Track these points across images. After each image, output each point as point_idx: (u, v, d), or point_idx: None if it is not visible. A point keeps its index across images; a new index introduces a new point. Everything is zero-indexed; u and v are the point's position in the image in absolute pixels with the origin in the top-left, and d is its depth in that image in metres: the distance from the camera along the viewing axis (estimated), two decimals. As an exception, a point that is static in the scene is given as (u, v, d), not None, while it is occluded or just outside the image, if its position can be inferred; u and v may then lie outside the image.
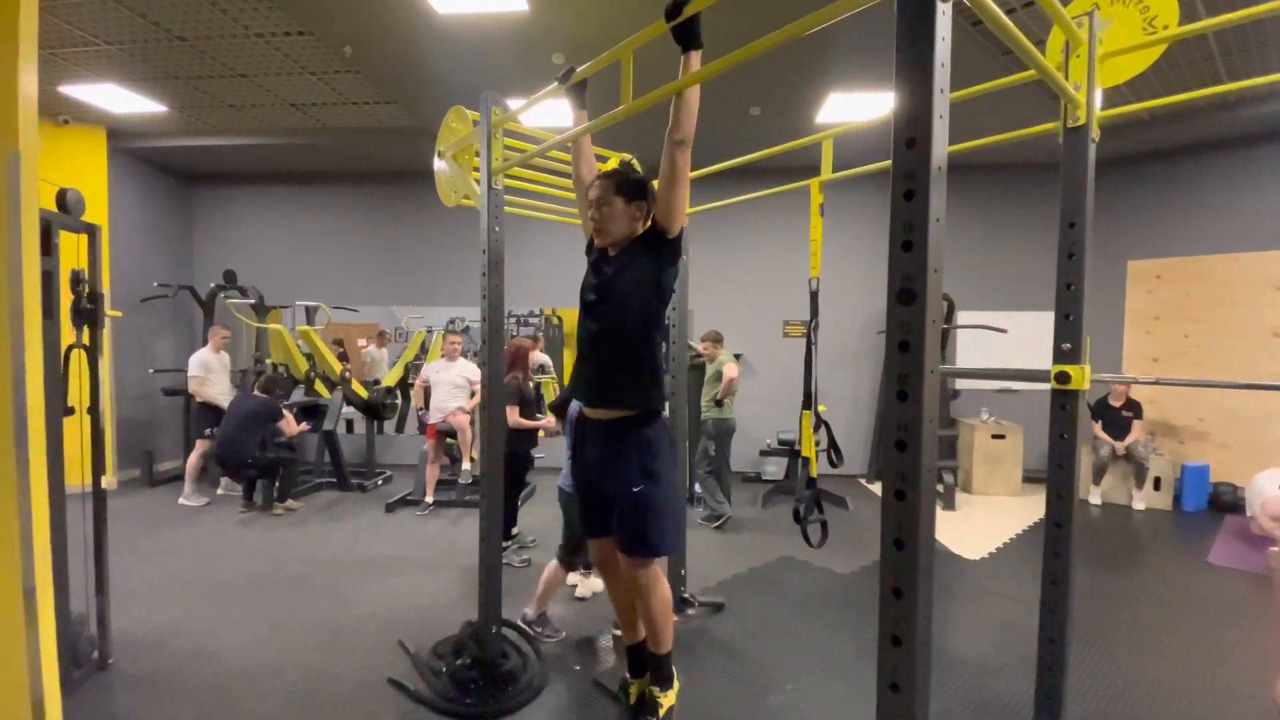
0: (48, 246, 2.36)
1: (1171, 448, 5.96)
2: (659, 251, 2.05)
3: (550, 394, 5.29)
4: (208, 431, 5.49)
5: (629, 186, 2.09)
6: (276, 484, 5.27)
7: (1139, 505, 5.61)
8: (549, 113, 4.94)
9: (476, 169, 2.60)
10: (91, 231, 2.63)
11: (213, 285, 6.74)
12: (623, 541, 2.12)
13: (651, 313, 2.08)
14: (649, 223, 2.11)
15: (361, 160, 6.91)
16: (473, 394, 5.35)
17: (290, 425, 5.42)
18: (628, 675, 2.43)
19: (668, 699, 2.24)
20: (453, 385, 5.33)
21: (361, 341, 7.00)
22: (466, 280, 7.12)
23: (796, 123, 5.30)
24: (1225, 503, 5.49)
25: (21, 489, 1.58)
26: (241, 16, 3.93)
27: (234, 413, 5.18)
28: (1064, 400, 1.81)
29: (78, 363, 2.67)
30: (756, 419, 6.49)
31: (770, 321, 6.99)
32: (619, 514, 2.10)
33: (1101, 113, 1.88)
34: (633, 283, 2.06)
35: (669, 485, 2.15)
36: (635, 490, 2.05)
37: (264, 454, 5.19)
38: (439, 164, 2.91)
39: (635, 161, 2.39)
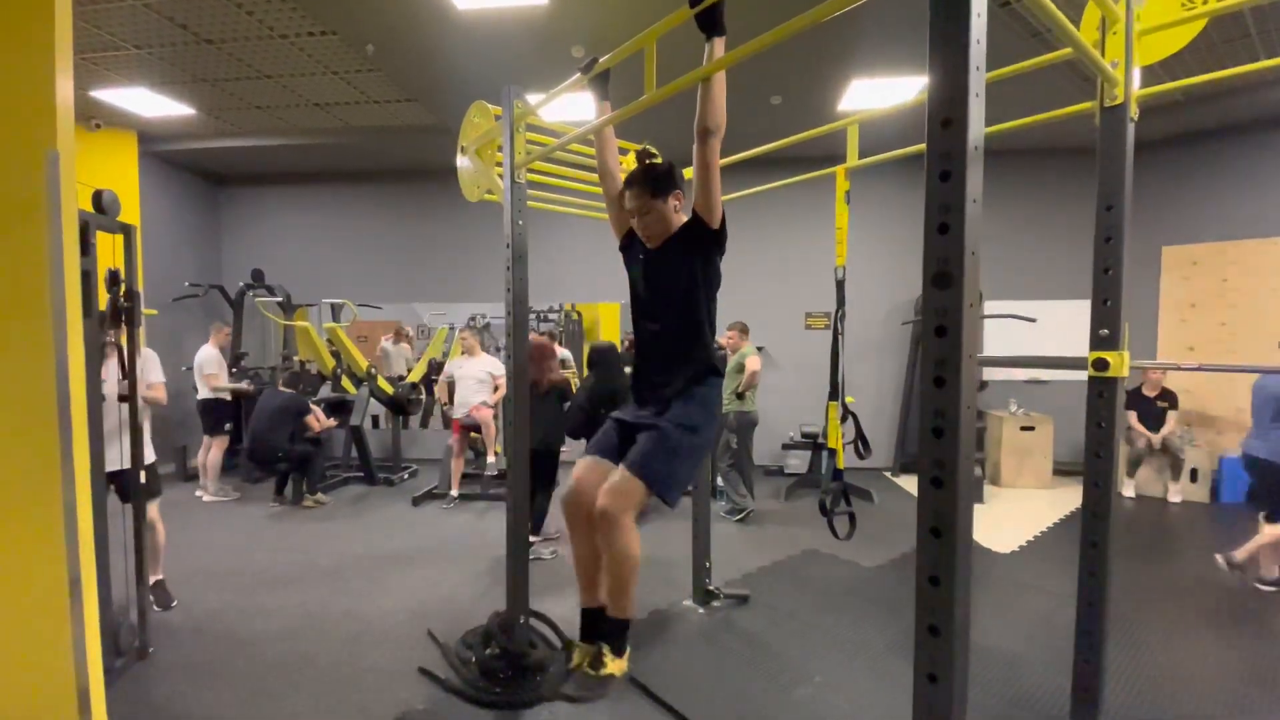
0: (85, 246, 2.41)
1: (1209, 439, 5.80)
2: (706, 245, 2.04)
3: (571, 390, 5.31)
4: (228, 427, 5.60)
5: (658, 183, 2.08)
6: (305, 477, 5.37)
7: (1175, 498, 5.47)
8: (569, 107, 4.94)
9: (499, 164, 2.61)
10: (127, 231, 2.69)
11: (241, 284, 6.88)
12: (631, 459, 1.97)
13: (705, 304, 2.08)
14: (686, 215, 2.09)
15: (384, 159, 6.98)
16: (496, 388, 5.39)
17: (318, 420, 5.51)
18: (577, 639, 2.20)
19: (615, 665, 2.02)
20: (475, 380, 5.38)
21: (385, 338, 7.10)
22: (487, 277, 7.17)
23: (818, 111, 5.24)
24: (1266, 494, 5.33)
25: (66, 483, 1.63)
26: (266, 18, 3.99)
27: (263, 408, 5.28)
28: (1102, 387, 1.77)
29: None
30: (778, 412, 6.45)
31: (792, 314, 6.94)
32: (643, 438, 2.01)
33: (1138, 92, 1.83)
34: (686, 281, 2.05)
35: (698, 447, 2.08)
36: (670, 425, 2.00)
37: (293, 447, 5.27)
38: (462, 160, 2.93)
39: (650, 146, 2.36)
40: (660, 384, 2.11)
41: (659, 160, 2.19)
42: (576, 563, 2.19)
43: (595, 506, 1.93)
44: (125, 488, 2.95)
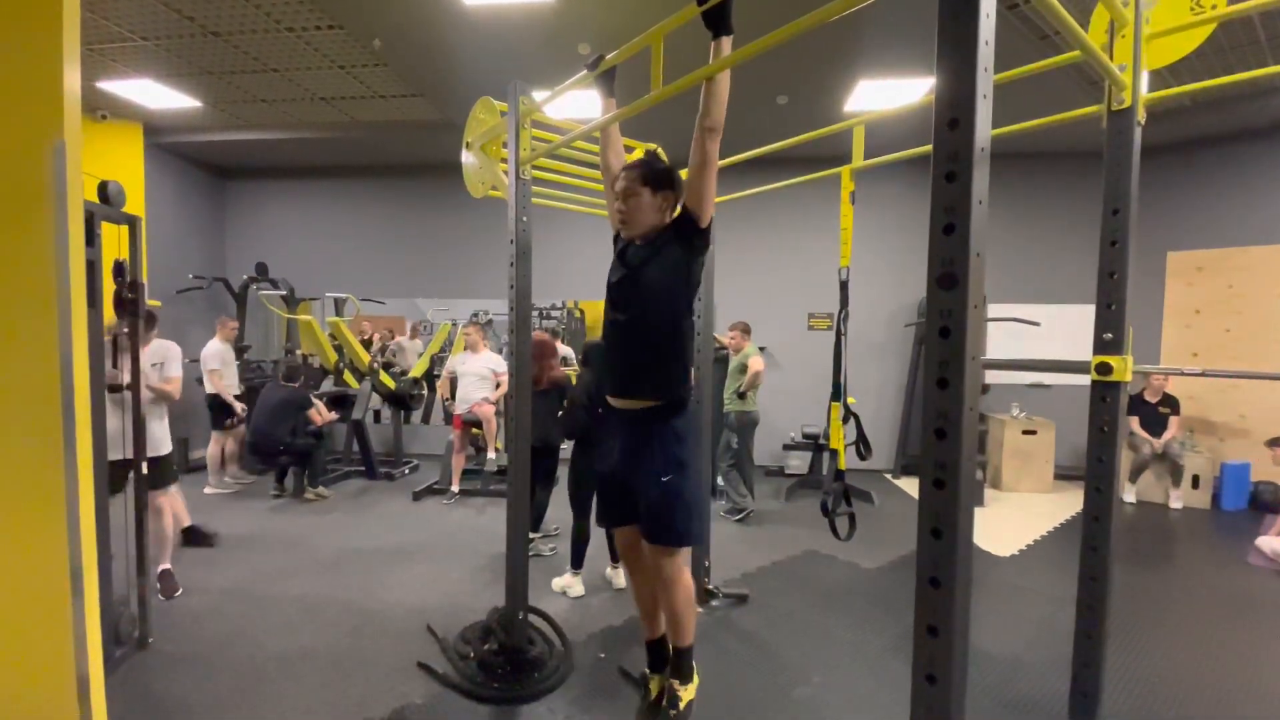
0: (91, 237, 2.42)
1: (1211, 445, 5.79)
2: (689, 241, 2.03)
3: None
4: (228, 422, 5.60)
5: (656, 177, 2.08)
6: (306, 471, 5.38)
7: (1176, 504, 5.45)
8: (574, 104, 4.94)
9: (504, 160, 2.61)
10: (132, 223, 2.70)
11: (245, 277, 6.89)
12: (649, 530, 2.10)
13: (680, 302, 2.06)
14: (677, 211, 2.09)
15: (389, 154, 6.99)
16: (498, 385, 5.40)
17: (319, 415, 5.52)
18: (647, 670, 2.40)
19: (687, 693, 2.21)
20: (477, 377, 5.38)
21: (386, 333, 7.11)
22: (491, 273, 7.18)
23: (824, 111, 5.23)
24: (1266, 502, 5.32)
25: (69, 472, 1.64)
26: (274, 11, 3.99)
27: (265, 402, 5.29)
28: (1105, 392, 1.77)
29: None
30: (780, 412, 6.45)
31: (794, 314, 6.93)
32: (646, 503, 2.08)
33: (1146, 96, 1.82)
34: (661, 272, 2.04)
35: (696, 476, 2.14)
36: (664, 480, 2.04)
37: (294, 440, 5.28)
38: (467, 156, 2.93)
39: (661, 151, 2.38)
40: (623, 389, 2.12)
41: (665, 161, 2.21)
42: (638, 600, 2.38)
43: (648, 561, 2.17)
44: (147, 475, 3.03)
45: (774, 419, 6.24)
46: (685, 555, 2.22)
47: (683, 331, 2.08)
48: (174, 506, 3.63)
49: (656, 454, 2.06)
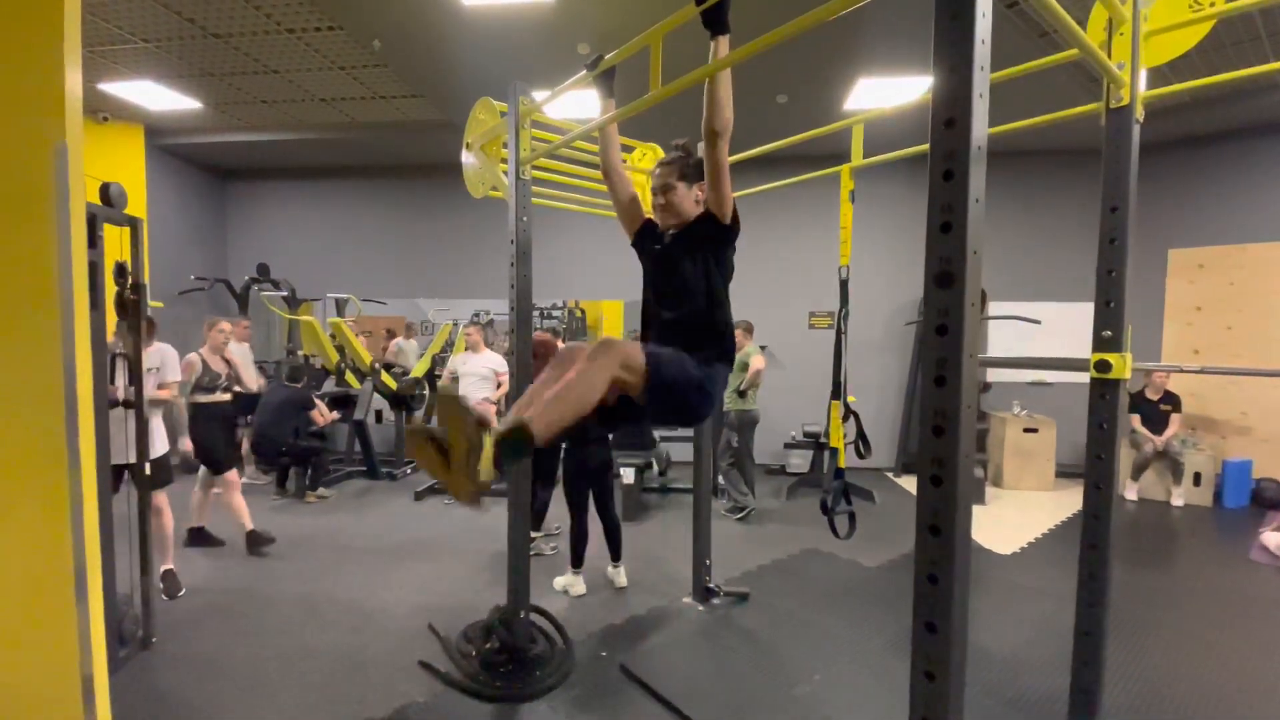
0: (93, 239, 2.43)
1: (1212, 443, 5.78)
2: (717, 239, 2.06)
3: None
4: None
5: (691, 169, 2.11)
6: (308, 472, 5.39)
7: (1177, 502, 5.45)
8: (575, 104, 4.95)
9: (504, 160, 2.61)
10: (134, 224, 2.71)
11: (247, 278, 6.90)
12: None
13: (721, 292, 2.08)
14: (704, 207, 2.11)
15: (390, 154, 7.00)
16: (499, 385, 5.40)
17: (321, 415, 5.53)
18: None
19: (486, 463, 1.59)
20: (478, 376, 5.39)
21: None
22: (492, 273, 7.19)
23: (824, 110, 5.23)
24: (1268, 499, 5.32)
25: (73, 473, 1.64)
26: (274, 13, 4.00)
27: (267, 403, 5.30)
28: (1104, 389, 1.77)
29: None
30: (780, 411, 6.45)
31: (796, 313, 6.93)
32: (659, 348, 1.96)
33: (1144, 93, 1.82)
34: (699, 267, 2.06)
35: (698, 397, 1.98)
36: (690, 357, 1.96)
37: (297, 442, 5.29)
38: (467, 156, 2.93)
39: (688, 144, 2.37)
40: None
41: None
42: (534, 385, 1.99)
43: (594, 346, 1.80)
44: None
45: (775, 418, 6.24)
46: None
47: (727, 319, 2.10)
48: (236, 505, 4.04)
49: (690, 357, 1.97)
